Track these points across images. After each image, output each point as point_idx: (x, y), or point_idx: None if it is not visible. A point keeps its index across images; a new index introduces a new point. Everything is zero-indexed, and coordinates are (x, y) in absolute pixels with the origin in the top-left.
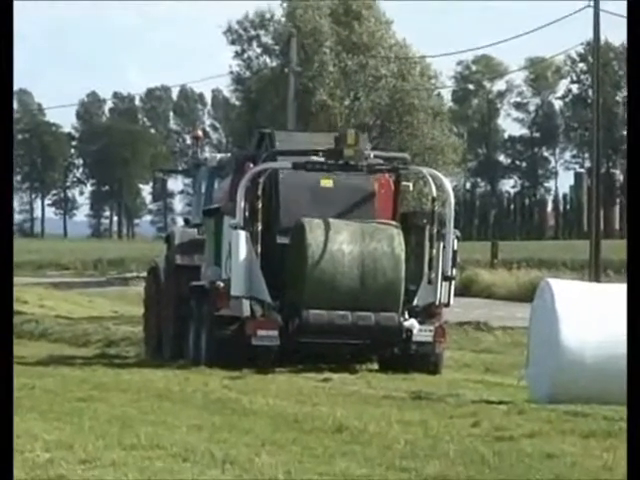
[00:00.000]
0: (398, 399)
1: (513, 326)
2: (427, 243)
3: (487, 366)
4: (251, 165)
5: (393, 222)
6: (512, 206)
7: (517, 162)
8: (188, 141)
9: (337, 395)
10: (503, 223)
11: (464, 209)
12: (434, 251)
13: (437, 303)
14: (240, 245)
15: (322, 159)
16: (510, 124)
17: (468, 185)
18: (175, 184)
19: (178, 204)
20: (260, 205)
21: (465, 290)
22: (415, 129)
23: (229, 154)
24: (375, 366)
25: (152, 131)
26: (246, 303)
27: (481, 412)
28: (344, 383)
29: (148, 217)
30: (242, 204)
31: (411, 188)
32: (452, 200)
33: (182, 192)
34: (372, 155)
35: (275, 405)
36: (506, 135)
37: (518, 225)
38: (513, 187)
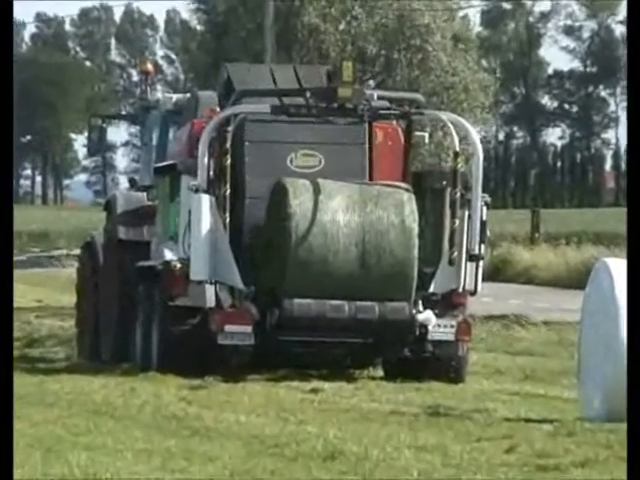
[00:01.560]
0: (409, 416)
1: (560, 320)
2: (447, 212)
3: (526, 373)
4: (217, 109)
5: (403, 184)
6: (559, 163)
7: (566, 106)
8: (135, 77)
9: (329, 411)
10: (547, 186)
11: (496, 167)
12: (456, 222)
13: (460, 290)
14: (202, 214)
15: (310, 101)
16: (557, 55)
17: (501, 136)
18: (117, 134)
19: (121, 160)
20: (228, 162)
21: (497, 273)
22: (431, 61)
23: (188, 94)
24: (379, 372)
25: (87, 64)
26: (210, 290)
27: (518, 433)
28: (339, 395)
29: (82, 177)
30: (205, 160)
31: (427, 139)
32: (480, 155)
33: (127, 144)
34: (375, 96)
35: (248, 424)
36: (551, 70)
37: (567, 188)
38: (560, 138)
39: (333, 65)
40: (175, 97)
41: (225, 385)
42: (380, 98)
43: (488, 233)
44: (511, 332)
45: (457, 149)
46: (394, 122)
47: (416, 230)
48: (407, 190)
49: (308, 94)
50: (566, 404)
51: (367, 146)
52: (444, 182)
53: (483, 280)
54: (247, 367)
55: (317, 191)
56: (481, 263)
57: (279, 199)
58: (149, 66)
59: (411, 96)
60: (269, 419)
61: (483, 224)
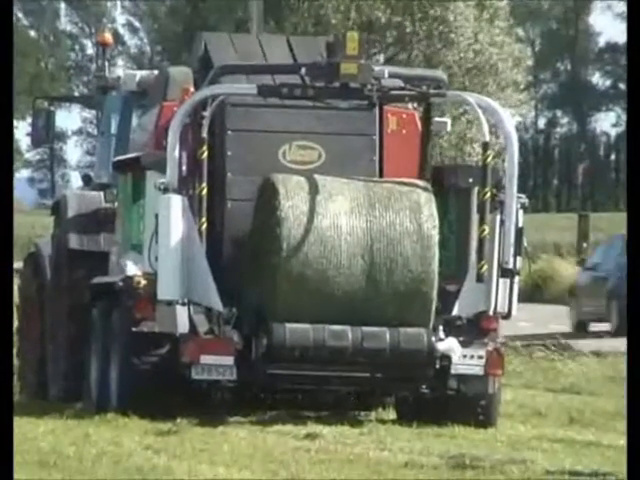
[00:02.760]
0: (428, 468)
1: (613, 350)
2: (475, 216)
3: (571, 415)
4: (191, 89)
5: (420, 182)
6: (612, 156)
7: (621, 85)
8: (90, 50)
9: (329, 462)
10: (598, 184)
11: (535, 161)
12: (486, 229)
13: (491, 313)
14: (173, 218)
15: (307, 79)
16: (610, 24)
17: (542, 123)
18: (68, 119)
19: (73, 152)
20: (205, 155)
21: (537, 292)
22: (453, 31)
23: (155, 71)
24: (391, 415)
25: (32, 35)
26: (182, 312)
27: None
28: (340, 442)
29: (24, 173)
30: (176, 153)
31: (449, 127)
32: (515, 146)
33: (80, 132)
34: (386, 73)
35: (229, 478)
36: (603, 42)
37: (622, 187)
38: (614, 125)
39: (334, 36)
40: (139, 75)
41: (201, 430)
42: (392, 76)
43: (525, 243)
44: (554, 365)
45: (487, 139)
46: (409, 106)
47: (436, 238)
48: (425, 189)
49: (304, 71)
50: (621, 454)
51: (377, 136)
52: (470, 180)
53: (519, 300)
54: (228, 408)
55: (314, 191)
56: (517, 279)
57: (268, 201)
58: (107, 36)
59: (431, 74)
60: (255, 473)
61: (519, 231)
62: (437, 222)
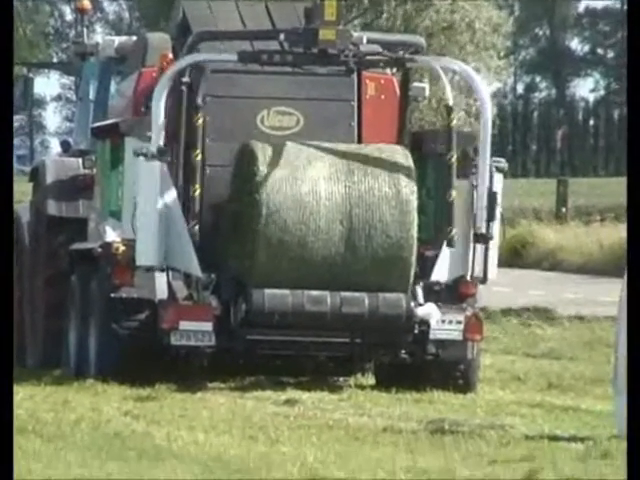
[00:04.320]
0: (407, 434)
1: (592, 315)
2: (452, 181)
3: (550, 380)
4: (170, 55)
5: (399, 147)
6: (591, 122)
7: (599, 51)
8: (69, 17)
9: (308, 427)
10: (576, 149)
11: (514, 126)
12: (453, 194)
13: (468, 278)
14: (153, 185)
15: (285, 45)
16: None
17: (520, 88)
18: (47, 86)
19: (52, 118)
20: (184, 122)
21: (516, 257)
22: None
23: (134, 37)
24: (370, 380)
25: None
26: (161, 278)
27: (541, 455)
28: (319, 408)
29: None
30: (161, 120)
31: (427, 92)
32: (489, 112)
33: (59, 99)
34: (364, 39)
35: (208, 444)
36: (582, 7)
37: (601, 152)
38: (593, 91)
39: (312, 2)
40: (118, 40)
41: (180, 396)
42: (371, 42)
43: (500, 207)
44: (533, 330)
45: (450, 103)
46: (388, 71)
47: (415, 204)
48: (404, 155)
49: (282, 37)
50: (599, 419)
51: (355, 101)
52: (454, 140)
53: (498, 265)
54: (207, 374)
55: (293, 157)
56: (492, 244)
57: (246, 167)
58: (85, 3)
59: (409, 39)
60: (234, 438)
61: (493, 196)
62: (415, 187)
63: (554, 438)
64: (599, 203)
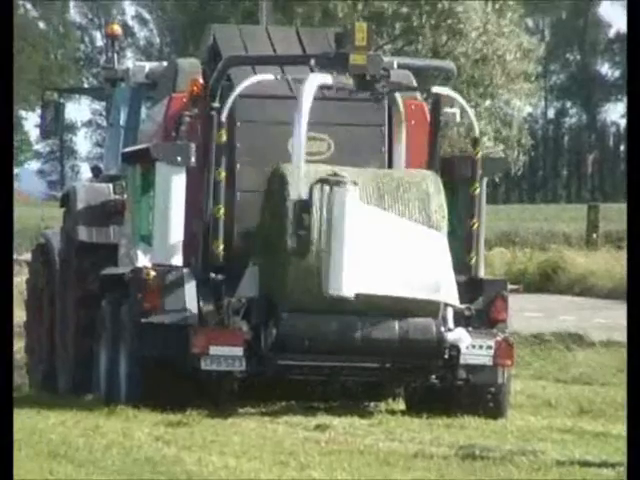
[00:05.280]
0: (438, 459)
1: (623, 341)
2: (475, 209)
3: (581, 405)
4: (200, 80)
5: (429, 172)
6: (622, 147)
7: None
8: (100, 42)
9: (339, 453)
10: (607, 174)
11: (544, 152)
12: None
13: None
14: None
15: (316, 70)
16: (620, 14)
17: (551, 113)
18: (78, 111)
19: (82, 143)
20: (214, 145)
21: (547, 283)
22: (461, 22)
23: (165, 63)
24: (401, 405)
25: (41, 26)
26: (192, 303)
27: None
28: (350, 433)
29: (34, 164)
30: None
31: (458, 118)
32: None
33: (89, 124)
34: (395, 64)
35: (239, 469)
36: (613, 32)
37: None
38: (624, 116)
39: (343, 27)
40: (149, 66)
41: (211, 421)
42: (401, 67)
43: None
44: (564, 355)
45: (477, 134)
46: (418, 96)
47: (445, 229)
48: (434, 180)
49: (313, 62)
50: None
51: (386, 127)
52: (480, 171)
53: (528, 291)
54: (238, 399)
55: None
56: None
57: (277, 191)
58: (116, 28)
59: (440, 64)
60: (264, 463)
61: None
62: (446, 212)
63: (585, 464)
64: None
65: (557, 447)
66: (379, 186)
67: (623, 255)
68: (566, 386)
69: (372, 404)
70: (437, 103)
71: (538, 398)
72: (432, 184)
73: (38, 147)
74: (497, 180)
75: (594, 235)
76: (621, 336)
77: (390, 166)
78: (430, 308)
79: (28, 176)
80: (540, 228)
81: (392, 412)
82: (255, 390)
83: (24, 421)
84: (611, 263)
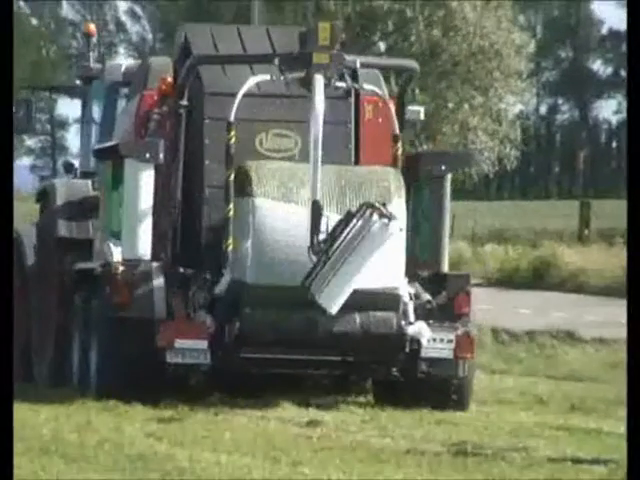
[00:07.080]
0: (430, 455)
1: (615, 338)
2: (448, 202)
3: (573, 402)
4: (169, 78)
5: (392, 169)
6: (614, 144)
7: (622, 72)
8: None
9: (331, 449)
10: (599, 171)
11: (537, 148)
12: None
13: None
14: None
15: (282, 69)
16: (612, 11)
17: (543, 110)
18: (70, 108)
19: (74, 140)
20: (182, 142)
21: (538, 280)
22: (455, 19)
23: (140, 62)
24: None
25: (33, 22)
26: (160, 297)
27: (564, 477)
28: (342, 429)
29: (26, 160)
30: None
31: (422, 115)
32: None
33: (83, 121)
34: (358, 63)
35: (231, 465)
36: (605, 29)
37: (624, 175)
38: (616, 113)
39: (307, 27)
40: (125, 65)
41: (202, 417)
42: (364, 65)
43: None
44: (555, 352)
45: (397, 132)
46: (380, 94)
47: (404, 225)
48: (396, 177)
49: (278, 61)
50: (622, 441)
51: (352, 124)
52: (443, 167)
53: (519, 288)
54: (229, 395)
55: (287, 178)
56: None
57: (241, 188)
58: (91, 27)
59: (403, 63)
60: (256, 459)
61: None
62: (405, 208)
63: (577, 460)
64: (622, 225)
65: (549, 444)
66: (341, 182)
67: (615, 251)
68: (557, 383)
69: (362, 398)
70: (402, 100)
71: (529, 395)
72: (394, 181)
73: (30, 143)
74: (490, 176)
75: (586, 231)
76: (613, 333)
77: (357, 163)
78: (390, 301)
79: (19, 171)
80: (532, 225)
81: (384, 408)
82: (245, 386)
83: (14, 416)
84: (603, 259)
